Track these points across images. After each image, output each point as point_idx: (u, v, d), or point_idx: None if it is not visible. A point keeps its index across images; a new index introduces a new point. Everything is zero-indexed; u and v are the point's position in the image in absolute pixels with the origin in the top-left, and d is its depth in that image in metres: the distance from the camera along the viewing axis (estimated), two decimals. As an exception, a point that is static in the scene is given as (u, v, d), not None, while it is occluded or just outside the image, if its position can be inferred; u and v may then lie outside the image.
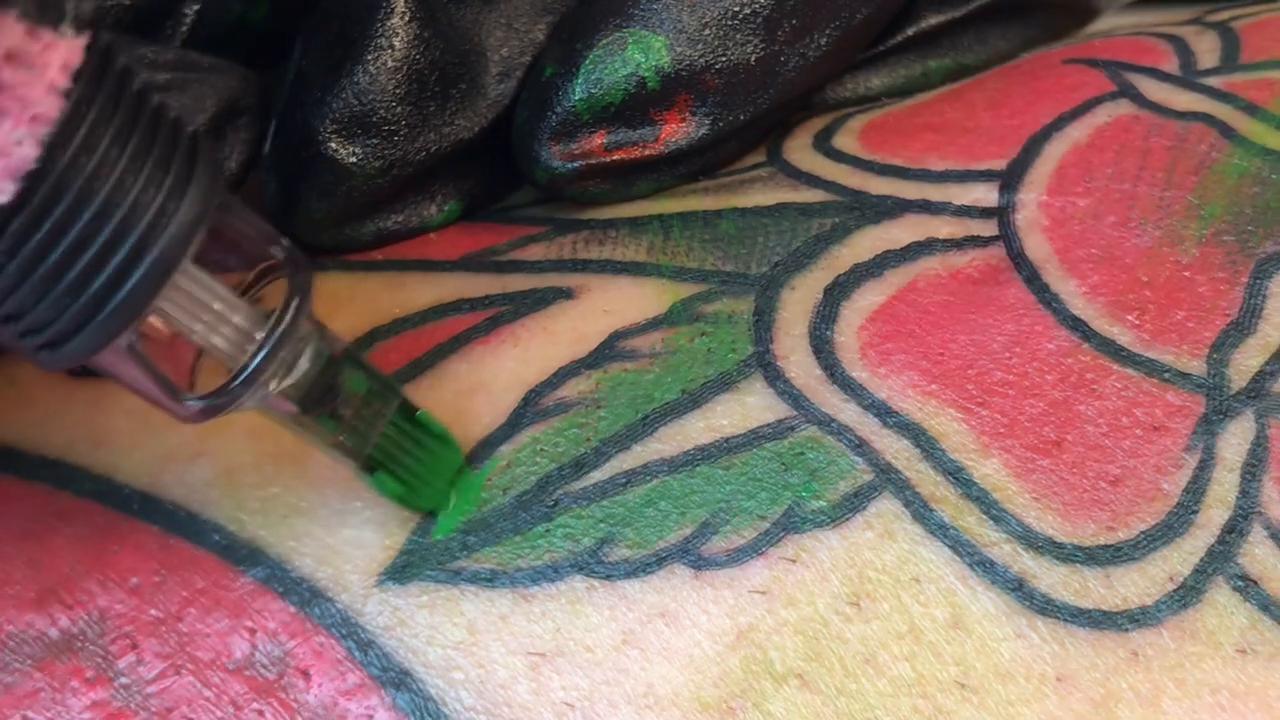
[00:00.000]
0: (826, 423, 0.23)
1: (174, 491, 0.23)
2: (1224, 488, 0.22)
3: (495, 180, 0.28)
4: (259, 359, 0.20)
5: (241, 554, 0.22)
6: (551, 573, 0.22)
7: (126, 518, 0.23)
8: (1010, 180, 0.25)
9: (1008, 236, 0.25)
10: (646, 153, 0.26)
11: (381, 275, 0.25)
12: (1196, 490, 0.22)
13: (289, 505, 0.23)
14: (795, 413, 0.23)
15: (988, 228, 0.25)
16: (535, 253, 0.25)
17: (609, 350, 0.24)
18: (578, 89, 0.26)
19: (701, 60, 0.26)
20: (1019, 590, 0.22)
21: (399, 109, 0.25)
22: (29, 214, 0.18)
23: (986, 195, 0.25)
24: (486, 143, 0.27)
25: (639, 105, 0.26)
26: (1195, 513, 0.22)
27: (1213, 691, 0.21)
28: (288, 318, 0.21)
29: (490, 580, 0.22)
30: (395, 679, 0.22)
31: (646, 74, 0.26)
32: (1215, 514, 0.22)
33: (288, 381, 0.21)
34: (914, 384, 0.23)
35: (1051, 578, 0.22)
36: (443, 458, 0.23)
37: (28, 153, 0.17)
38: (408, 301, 0.25)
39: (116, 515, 0.23)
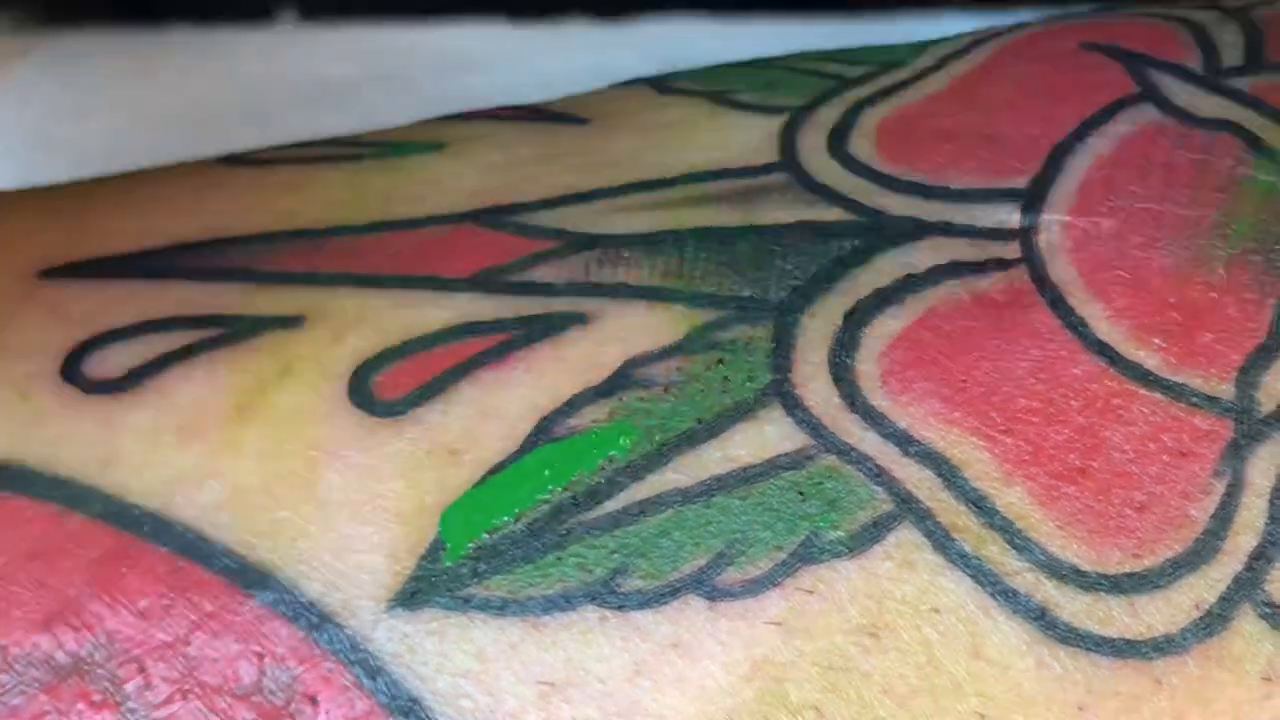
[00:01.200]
0: (846, 452, 0.22)
1: (184, 513, 0.23)
2: (1252, 513, 0.22)
3: None
4: None
5: (250, 578, 0.22)
6: (563, 602, 0.22)
7: (136, 540, 0.22)
8: (1033, 200, 0.25)
9: (1031, 259, 0.24)
10: None
11: (390, 294, 0.25)
12: (1224, 516, 0.22)
13: (298, 529, 0.23)
14: (814, 442, 0.23)
15: (1010, 250, 0.24)
16: (547, 274, 0.25)
17: (624, 378, 0.23)
18: None
19: None
20: (1041, 619, 0.21)
21: None
22: None
23: (1009, 216, 0.25)
24: None
25: None
26: (1223, 539, 0.22)
27: (1237, 719, 0.21)
28: None
29: (501, 608, 0.22)
30: (403, 707, 0.21)
31: None
32: (1243, 540, 0.22)
33: None
34: (936, 412, 0.23)
35: (1075, 606, 0.21)
36: None
37: None
38: (418, 323, 0.24)
39: (126, 537, 0.23)
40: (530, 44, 0.39)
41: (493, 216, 0.26)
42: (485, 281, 0.25)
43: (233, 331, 0.24)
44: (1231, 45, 0.27)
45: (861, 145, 0.27)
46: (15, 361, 0.24)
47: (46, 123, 0.40)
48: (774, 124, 0.27)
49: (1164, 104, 0.26)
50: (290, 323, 0.24)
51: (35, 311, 0.25)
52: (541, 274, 0.25)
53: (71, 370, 0.24)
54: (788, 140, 0.27)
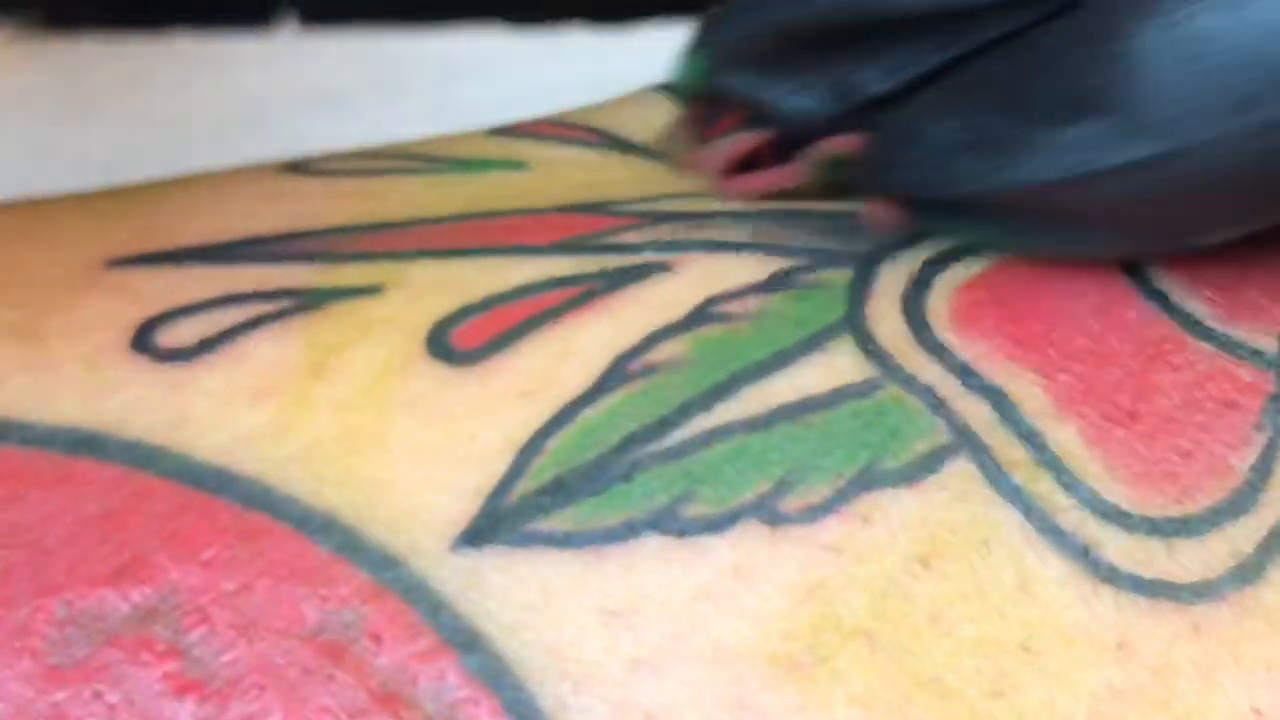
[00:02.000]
0: (909, 382, 0.23)
1: (253, 467, 0.22)
2: None
3: None
4: None
5: (316, 524, 0.22)
6: (627, 531, 0.22)
7: (202, 494, 0.22)
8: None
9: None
10: None
11: (474, 260, 0.24)
12: (1263, 469, 0.23)
13: (366, 476, 0.22)
14: (880, 373, 0.23)
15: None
16: (632, 237, 0.25)
17: (703, 314, 0.23)
18: None
19: None
20: (1085, 558, 0.22)
21: None
22: None
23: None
24: None
25: None
26: (1261, 491, 0.22)
27: (1268, 668, 0.22)
28: None
29: (564, 541, 0.22)
30: (466, 642, 0.21)
31: None
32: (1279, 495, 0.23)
33: None
34: (999, 347, 0.23)
35: (1117, 547, 0.22)
36: None
37: None
38: (500, 281, 0.24)
39: (193, 492, 0.22)
40: (530, 50, 0.38)
41: (586, 207, 0.26)
42: (569, 246, 0.25)
43: (308, 300, 0.24)
44: None
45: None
46: (84, 336, 0.23)
47: (47, 129, 0.37)
48: None
49: None
50: (369, 290, 0.24)
51: (104, 291, 0.24)
52: (626, 238, 0.25)
53: (142, 342, 0.23)
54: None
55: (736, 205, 0.26)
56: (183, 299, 0.24)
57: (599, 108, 0.30)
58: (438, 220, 0.26)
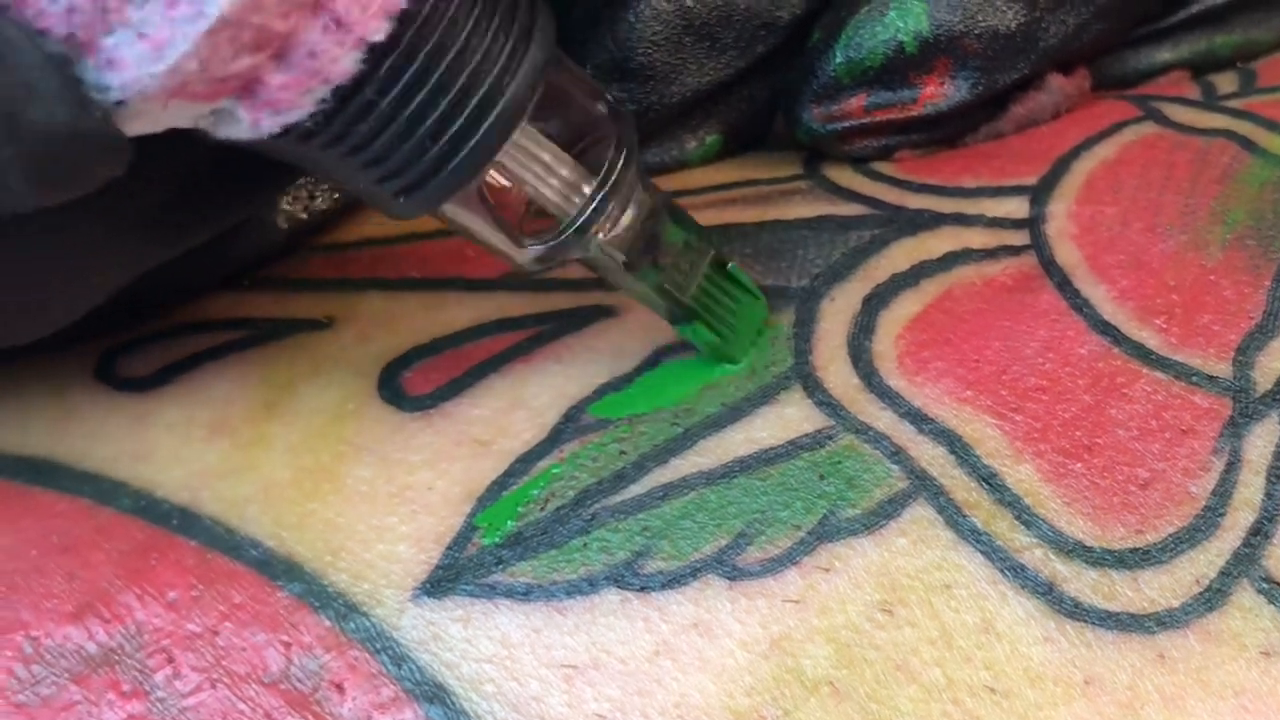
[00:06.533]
0: (863, 431, 0.23)
1: (213, 507, 0.23)
2: (1250, 490, 0.23)
3: (758, 112, 0.29)
4: (590, 210, 0.22)
5: (279, 569, 0.22)
6: (586, 586, 0.22)
7: (165, 533, 0.23)
8: (1040, 194, 0.26)
9: (1039, 245, 0.25)
10: (906, 114, 0.27)
11: (419, 295, 0.25)
12: (1223, 493, 0.23)
13: (326, 521, 0.23)
14: (833, 422, 0.23)
15: (1019, 237, 0.25)
16: (575, 271, 0.25)
17: (651, 367, 0.24)
18: (838, 54, 0.27)
19: (960, 26, 0.26)
20: (1049, 594, 0.22)
21: (657, 55, 0.27)
22: (399, 54, 0.19)
23: (1018, 207, 0.25)
24: (750, 76, 0.28)
25: (898, 69, 0.27)
26: (1222, 515, 0.22)
27: (1236, 694, 0.21)
28: (616, 170, 0.22)
29: (525, 594, 0.22)
30: (429, 693, 0.22)
31: (905, 38, 0.27)
32: (1241, 516, 0.22)
33: (614, 232, 0.22)
34: (950, 391, 0.23)
35: (1081, 582, 0.22)
36: (750, 309, 0.24)
37: None
38: (447, 322, 0.25)
39: (156, 530, 0.23)
40: None
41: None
42: (513, 281, 0.26)
43: (263, 332, 0.24)
44: (1229, 82, 0.29)
45: (882, 165, 0.28)
46: (50, 363, 0.24)
47: None
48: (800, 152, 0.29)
49: (1164, 120, 0.28)
50: (320, 325, 0.25)
51: None
52: (569, 272, 0.25)
53: (104, 370, 0.24)
54: (812, 160, 0.28)
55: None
56: (144, 326, 0.25)
57: None
58: (385, 242, 0.26)
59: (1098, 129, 0.27)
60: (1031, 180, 0.26)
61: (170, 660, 0.22)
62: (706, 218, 0.25)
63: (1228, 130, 0.26)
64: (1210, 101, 0.28)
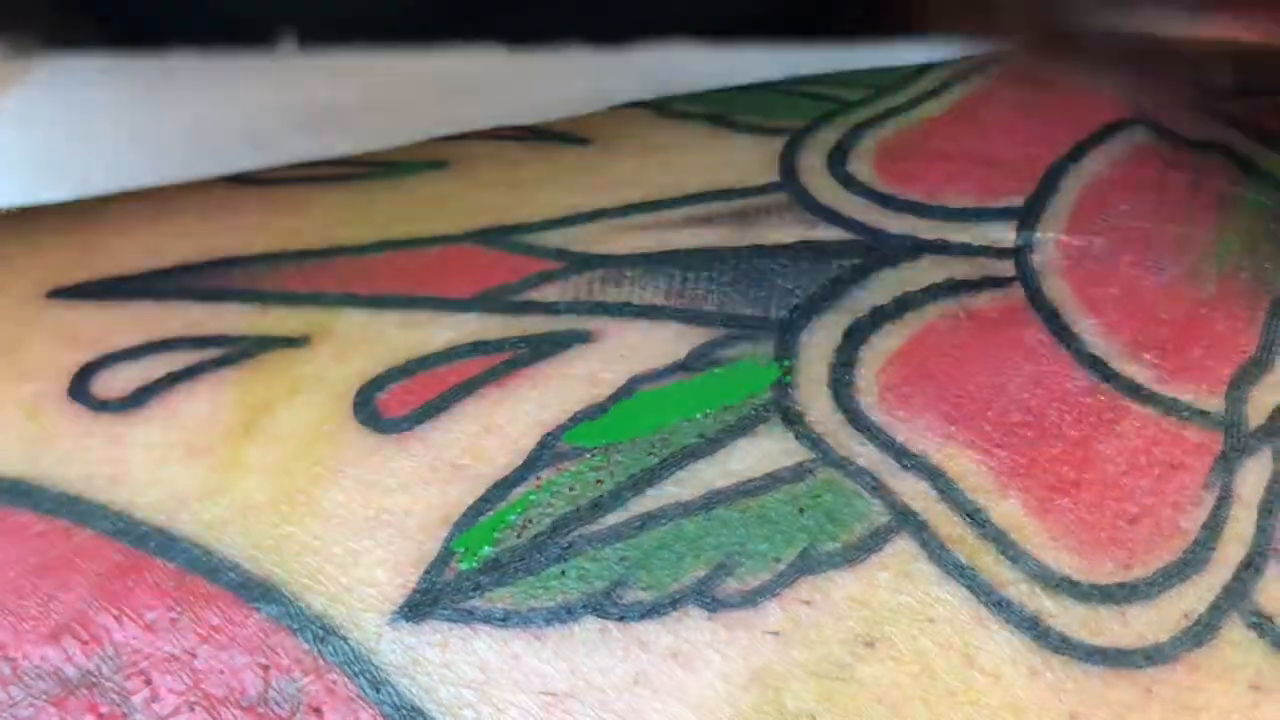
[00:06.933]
0: (844, 465, 0.23)
1: (191, 529, 0.23)
2: (1241, 525, 0.22)
3: None
4: None
5: (256, 591, 0.22)
6: (565, 613, 0.22)
7: (143, 555, 0.23)
8: (1027, 219, 0.25)
9: (1026, 277, 0.25)
10: None
11: (393, 314, 0.25)
12: (1214, 528, 0.22)
13: (303, 544, 0.23)
14: (813, 456, 0.23)
15: (1005, 268, 0.25)
16: (550, 293, 0.25)
17: (627, 395, 0.24)
18: None
19: None
20: (1034, 629, 0.22)
21: None
22: None
23: (1004, 235, 0.25)
24: None
25: None
26: (1212, 550, 0.22)
27: (1226, 727, 0.21)
28: None
29: (504, 620, 0.22)
30: (408, 717, 0.22)
31: None
32: (1232, 551, 0.22)
33: None
34: (932, 426, 0.23)
35: (1067, 617, 0.22)
36: None
37: None
38: (423, 341, 0.25)
39: (133, 552, 0.23)
40: (528, 71, 0.39)
41: (496, 236, 0.27)
42: (489, 301, 0.25)
43: (239, 351, 0.24)
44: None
45: (860, 166, 0.27)
46: (23, 382, 0.24)
47: (48, 146, 0.39)
48: (774, 145, 0.27)
49: (1156, 126, 0.27)
50: (296, 342, 0.25)
51: (43, 333, 0.25)
52: (544, 293, 0.25)
53: (79, 389, 0.24)
54: (788, 160, 0.27)
55: (651, 240, 0.26)
56: (117, 342, 0.25)
57: (581, 118, 0.30)
58: (359, 251, 0.26)
59: (1086, 131, 0.26)
60: (1018, 200, 0.25)
61: (148, 683, 0.22)
62: (683, 239, 0.25)
63: (1225, 145, 0.26)
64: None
